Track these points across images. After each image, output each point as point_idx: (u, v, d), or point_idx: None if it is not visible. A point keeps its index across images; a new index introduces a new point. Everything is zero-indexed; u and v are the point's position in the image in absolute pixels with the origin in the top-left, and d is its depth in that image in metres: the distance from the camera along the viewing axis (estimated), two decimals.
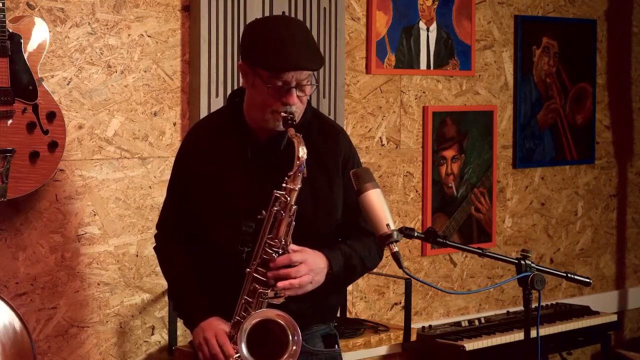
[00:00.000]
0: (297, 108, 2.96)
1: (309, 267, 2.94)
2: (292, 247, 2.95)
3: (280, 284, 2.92)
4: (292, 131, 2.93)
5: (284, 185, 2.92)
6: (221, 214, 3.04)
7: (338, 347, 3.20)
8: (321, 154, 3.07)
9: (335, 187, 3.08)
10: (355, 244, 3.09)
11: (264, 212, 2.94)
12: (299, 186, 2.92)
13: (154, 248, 3.26)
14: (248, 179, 3.03)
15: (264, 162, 3.03)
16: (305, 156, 2.90)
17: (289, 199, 2.91)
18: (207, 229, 3.07)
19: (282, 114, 2.94)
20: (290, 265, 2.92)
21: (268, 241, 2.93)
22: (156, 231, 3.24)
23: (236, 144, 3.06)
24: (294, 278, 2.91)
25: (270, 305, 2.94)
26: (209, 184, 3.06)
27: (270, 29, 2.99)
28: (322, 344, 3.15)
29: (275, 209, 2.93)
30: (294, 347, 2.89)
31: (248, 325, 2.89)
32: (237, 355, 2.92)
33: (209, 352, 2.97)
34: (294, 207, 2.92)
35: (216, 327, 2.99)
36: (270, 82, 2.93)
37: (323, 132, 3.12)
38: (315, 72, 3.02)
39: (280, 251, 2.93)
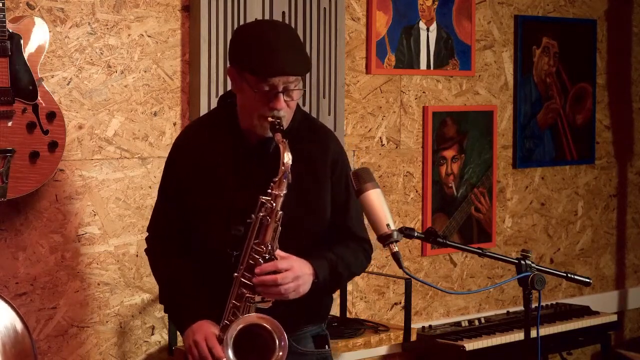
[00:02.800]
0: (285, 113, 2.96)
1: (295, 273, 2.92)
2: (279, 253, 2.94)
3: (259, 288, 2.90)
4: (279, 136, 2.92)
5: (269, 191, 2.92)
6: (211, 215, 3.04)
7: (329, 347, 3.19)
8: (311, 156, 3.07)
9: (324, 190, 3.08)
10: (341, 251, 3.07)
11: (253, 216, 2.94)
12: (285, 192, 2.91)
13: (145, 250, 3.26)
14: (238, 181, 3.03)
15: (253, 165, 3.03)
16: (290, 162, 2.89)
17: (274, 204, 2.91)
18: (197, 229, 3.08)
19: (269, 119, 2.94)
20: (276, 272, 2.90)
21: (254, 247, 2.93)
22: (147, 233, 3.24)
23: (228, 145, 3.06)
24: (280, 285, 2.89)
25: (259, 310, 2.93)
26: (200, 184, 3.06)
27: (258, 33, 2.99)
28: (312, 344, 3.14)
29: (261, 214, 2.92)
30: (280, 353, 2.88)
31: (233, 332, 2.87)
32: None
33: (198, 355, 2.96)
34: (280, 212, 2.92)
35: (206, 329, 2.98)
36: (257, 87, 2.92)
37: (313, 134, 3.12)
38: (303, 77, 3.01)
39: (267, 256, 2.92)
